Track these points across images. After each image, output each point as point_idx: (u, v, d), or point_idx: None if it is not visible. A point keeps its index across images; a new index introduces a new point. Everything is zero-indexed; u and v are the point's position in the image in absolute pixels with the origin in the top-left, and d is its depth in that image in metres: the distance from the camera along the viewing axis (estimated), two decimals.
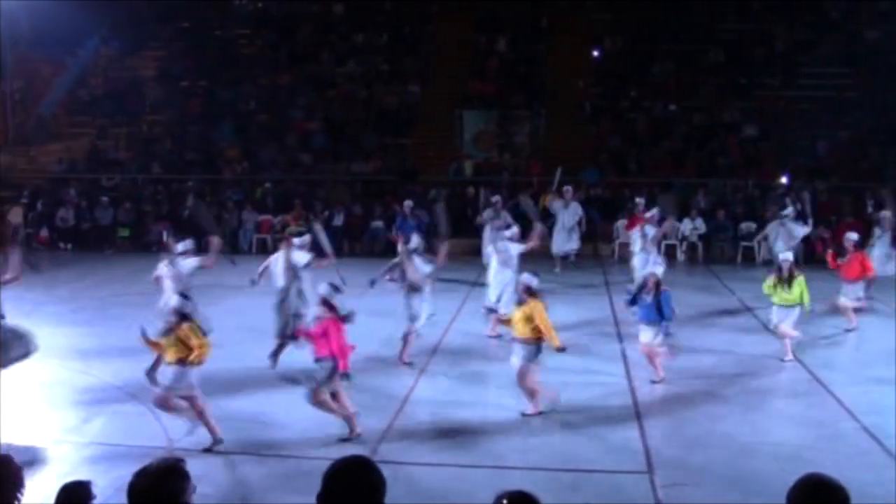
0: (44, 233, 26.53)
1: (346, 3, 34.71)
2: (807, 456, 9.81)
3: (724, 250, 24.46)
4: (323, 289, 10.59)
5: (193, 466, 3.99)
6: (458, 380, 13.07)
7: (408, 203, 22.47)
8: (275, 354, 13.44)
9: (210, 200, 26.75)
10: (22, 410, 11.01)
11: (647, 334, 12.70)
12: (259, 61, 33.21)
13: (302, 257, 13.93)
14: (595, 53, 32.48)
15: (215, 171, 28.72)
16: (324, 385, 10.12)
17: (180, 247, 14.29)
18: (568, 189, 22.22)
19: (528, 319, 10.98)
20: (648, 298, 12.54)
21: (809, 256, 22.16)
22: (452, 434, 10.59)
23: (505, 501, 3.61)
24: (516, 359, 11.14)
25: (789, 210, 19.72)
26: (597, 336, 15.56)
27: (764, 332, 15.89)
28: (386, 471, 3.67)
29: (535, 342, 11.02)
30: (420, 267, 13.97)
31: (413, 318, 13.75)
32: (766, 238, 20.95)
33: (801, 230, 19.32)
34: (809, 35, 31.75)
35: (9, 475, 4.75)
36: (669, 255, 23.74)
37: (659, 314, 12.51)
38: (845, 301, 16.16)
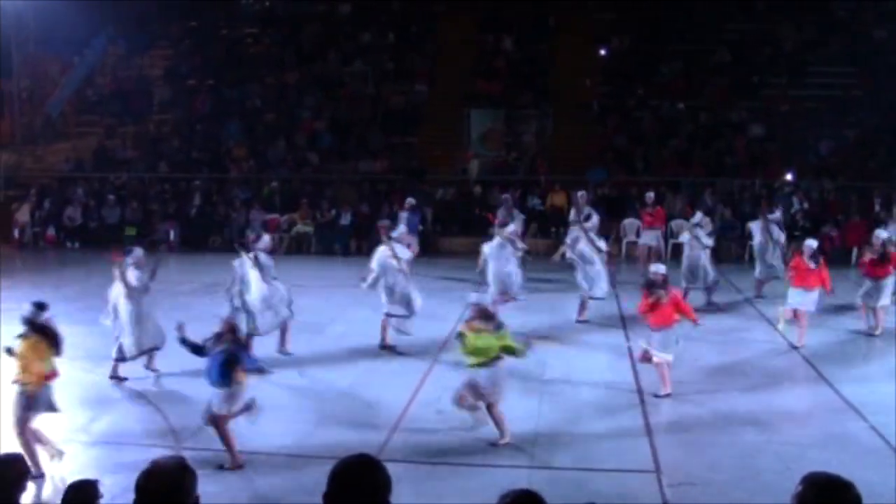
0: (51, 231, 26.59)
1: (352, 2, 34.70)
2: (813, 455, 9.79)
3: (732, 249, 24.40)
4: None
5: (200, 466, 4.01)
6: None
7: (409, 200, 22.60)
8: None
9: (217, 199, 26.80)
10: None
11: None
12: (266, 60, 33.22)
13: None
14: (602, 52, 32.43)
15: (222, 170, 28.74)
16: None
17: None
18: (582, 194, 21.71)
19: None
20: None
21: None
22: (458, 433, 10.59)
23: (510, 500, 3.61)
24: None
25: (777, 214, 19.70)
26: (603, 335, 15.56)
27: (771, 331, 15.89)
28: (392, 469, 3.68)
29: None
30: (400, 252, 14.60)
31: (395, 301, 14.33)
32: (750, 235, 20.75)
33: (779, 235, 19.17)
34: (816, 35, 31.69)
35: (15, 475, 4.78)
36: (676, 254, 23.72)
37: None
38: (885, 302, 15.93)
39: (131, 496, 3.70)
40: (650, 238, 21.50)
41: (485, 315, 10.54)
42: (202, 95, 32.03)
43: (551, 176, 26.08)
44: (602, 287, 16.66)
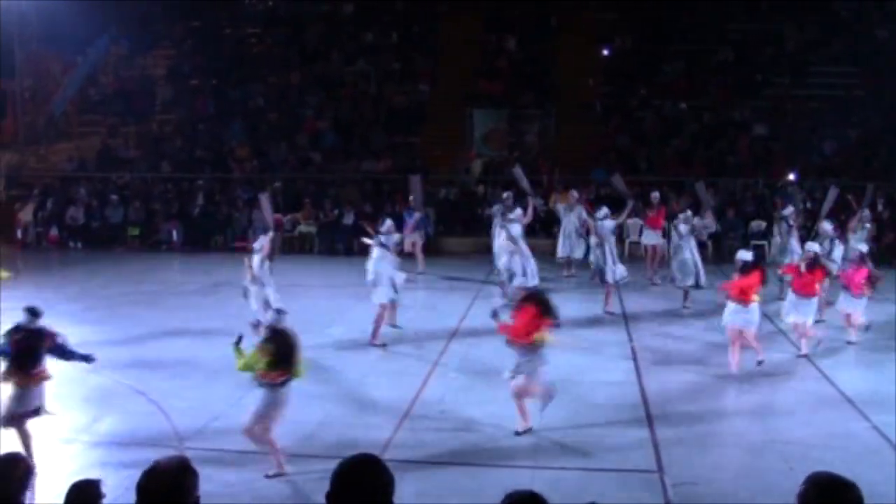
0: (54, 231, 26.58)
1: (355, 2, 34.70)
2: (816, 455, 9.78)
3: (734, 249, 24.34)
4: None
5: (202, 466, 4.00)
6: (468, 379, 13.06)
7: (412, 198, 22.59)
8: None
9: (220, 199, 26.81)
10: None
11: None
12: (269, 60, 33.22)
13: None
14: (605, 52, 32.45)
15: (225, 170, 28.74)
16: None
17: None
18: (573, 192, 22.04)
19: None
20: None
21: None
22: (461, 433, 10.59)
23: (513, 501, 3.61)
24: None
25: (790, 210, 19.70)
26: (607, 334, 15.56)
27: (774, 331, 15.87)
28: (394, 469, 3.68)
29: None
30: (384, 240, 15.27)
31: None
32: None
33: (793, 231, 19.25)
34: (819, 34, 31.67)
35: (17, 475, 4.77)
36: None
37: None
38: None
39: (133, 496, 3.70)
40: (652, 238, 21.46)
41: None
42: (204, 96, 32.05)
43: (553, 176, 26.05)
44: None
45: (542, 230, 24.87)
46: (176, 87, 32.66)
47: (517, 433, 10.50)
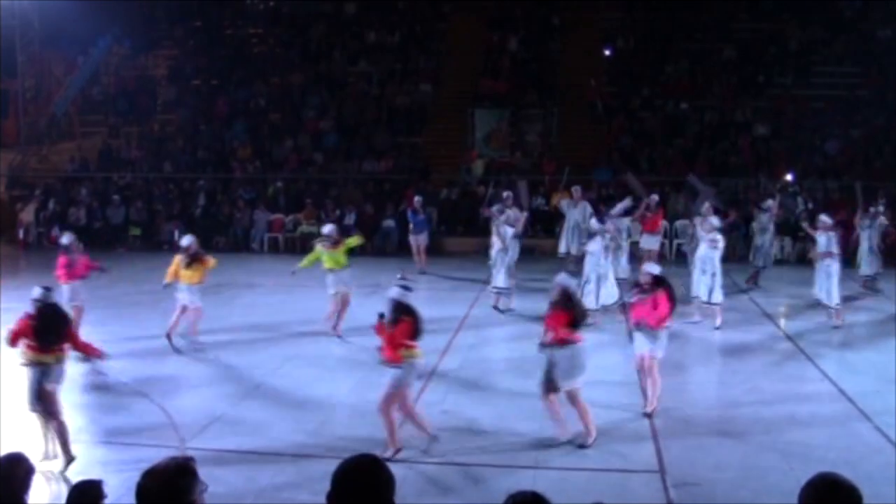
0: (56, 232, 26.56)
1: (358, 2, 34.76)
2: (818, 455, 9.77)
3: (736, 249, 24.34)
4: None
5: (203, 466, 4.00)
6: (469, 379, 13.05)
7: (417, 199, 22.60)
8: None
9: (222, 199, 26.81)
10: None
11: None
12: (271, 60, 33.26)
13: None
14: (607, 52, 32.47)
15: (227, 170, 28.76)
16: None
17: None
18: (577, 189, 22.08)
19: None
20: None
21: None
22: (462, 433, 10.57)
23: (515, 502, 3.60)
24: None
25: (769, 203, 19.91)
26: (607, 334, 15.53)
27: (775, 330, 15.86)
28: (395, 469, 3.67)
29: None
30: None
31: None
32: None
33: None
34: (822, 34, 31.69)
35: (19, 475, 4.77)
36: (680, 254, 23.70)
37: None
38: None
39: (134, 497, 3.70)
40: (651, 243, 21.07)
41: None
42: (207, 95, 32.06)
43: (556, 175, 26.02)
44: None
45: (543, 230, 24.92)
46: (178, 88, 32.72)
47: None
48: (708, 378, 13.20)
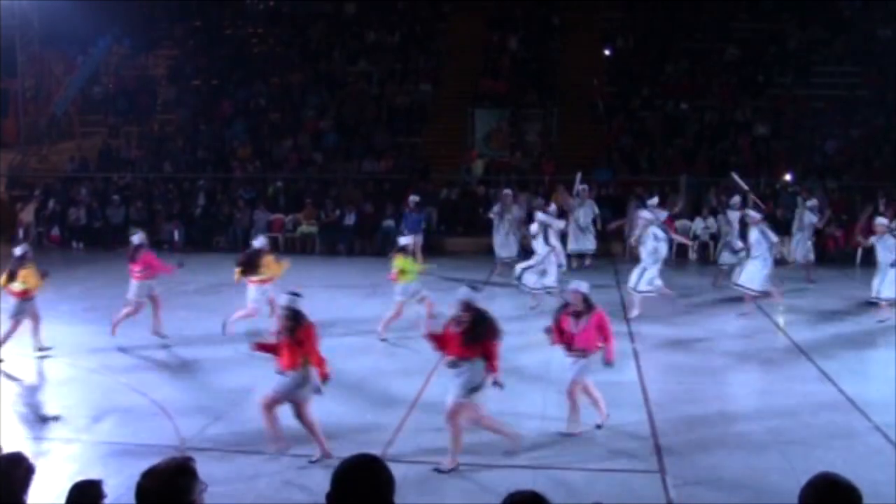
0: (55, 232, 26.61)
1: (358, 1, 34.79)
2: (818, 455, 9.77)
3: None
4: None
5: (204, 465, 3.99)
6: None
7: (413, 198, 22.59)
8: None
9: (222, 199, 26.81)
10: (33, 409, 11.05)
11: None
12: (271, 60, 33.28)
13: None
14: (607, 52, 32.49)
15: (227, 170, 28.75)
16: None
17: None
18: (584, 188, 22.08)
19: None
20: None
21: (821, 255, 22.10)
22: (462, 432, 10.56)
23: (515, 501, 3.60)
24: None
25: (735, 199, 20.06)
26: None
27: (775, 330, 15.85)
28: (395, 469, 3.67)
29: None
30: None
31: None
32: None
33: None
34: (822, 34, 31.71)
35: (19, 475, 4.77)
36: (681, 254, 23.72)
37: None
38: None
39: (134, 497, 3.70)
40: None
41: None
42: (207, 95, 32.08)
43: (556, 175, 26.03)
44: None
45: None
46: (178, 87, 32.74)
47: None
48: (707, 378, 13.18)
